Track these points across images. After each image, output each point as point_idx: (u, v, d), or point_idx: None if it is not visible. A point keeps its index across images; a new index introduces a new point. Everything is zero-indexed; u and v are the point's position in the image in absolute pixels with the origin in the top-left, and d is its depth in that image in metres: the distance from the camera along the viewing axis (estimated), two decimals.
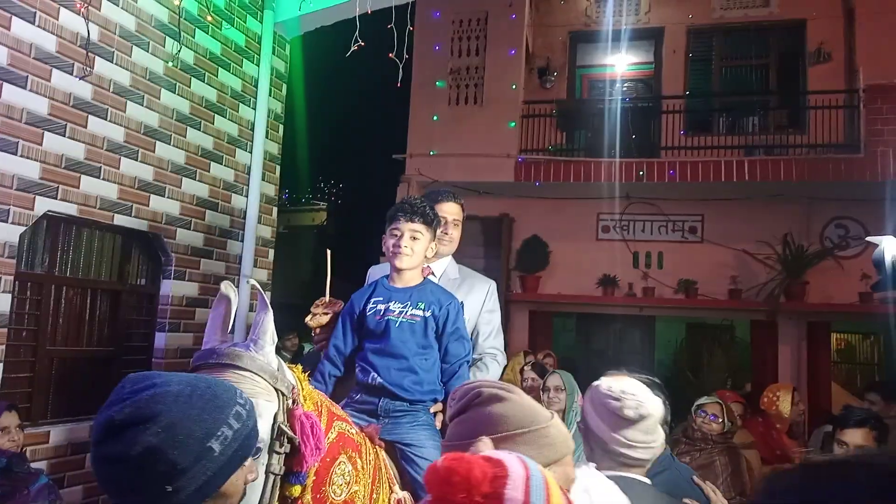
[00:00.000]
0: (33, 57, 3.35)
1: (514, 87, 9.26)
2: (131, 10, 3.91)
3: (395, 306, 2.37)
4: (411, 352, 2.31)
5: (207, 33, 4.53)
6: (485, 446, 1.10)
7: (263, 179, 5.05)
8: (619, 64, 10.26)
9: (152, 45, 4.08)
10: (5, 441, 2.42)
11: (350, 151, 11.42)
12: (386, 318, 2.36)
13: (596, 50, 10.17)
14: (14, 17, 3.23)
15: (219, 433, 1.07)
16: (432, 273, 2.73)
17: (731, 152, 8.78)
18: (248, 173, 4.93)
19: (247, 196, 4.92)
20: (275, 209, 5.33)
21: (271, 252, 5.27)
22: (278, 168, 5.32)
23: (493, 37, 9.40)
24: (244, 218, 4.90)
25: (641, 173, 8.69)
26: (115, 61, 3.82)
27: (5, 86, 3.21)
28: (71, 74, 3.54)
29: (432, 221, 2.46)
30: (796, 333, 9.15)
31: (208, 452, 1.04)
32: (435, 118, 9.25)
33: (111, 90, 3.83)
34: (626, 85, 10.38)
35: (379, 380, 2.28)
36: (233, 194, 4.84)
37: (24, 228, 3.36)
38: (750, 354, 9.66)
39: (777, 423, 4.79)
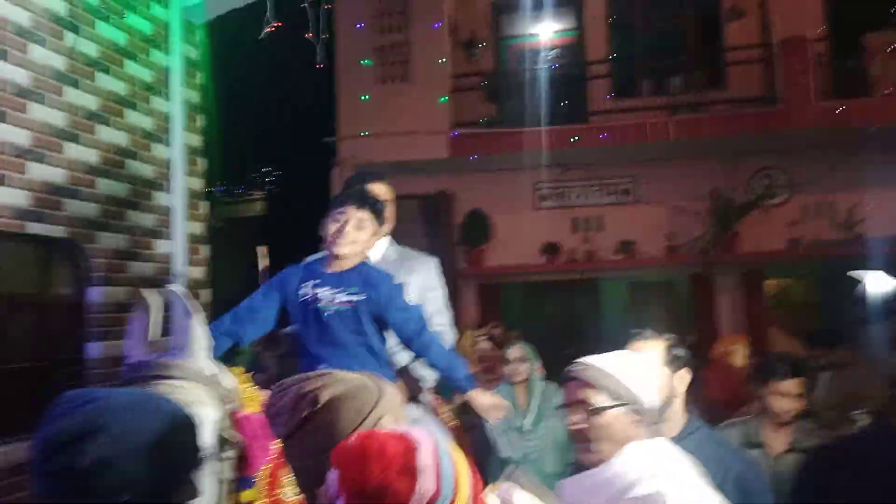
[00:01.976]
0: None
1: (442, 61, 9.18)
2: (24, 4, 3.66)
3: (324, 293, 2.30)
4: (345, 339, 2.25)
5: (109, 23, 4.29)
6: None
7: (187, 174, 4.85)
8: (543, 32, 10.28)
9: (49, 41, 3.83)
10: None
11: (280, 138, 11.15)
12: (315, 305, 2.29)
13: (519, 19, 10.16)
14: None
15: (167, 443, 1.06)
16: (367, 258, 2.67)
17: (657, 113, 8.96)
18: (169, 168, 4.73)
19: (170, 192, 4.72)
20: (203, 203, 5.14)
21: (204, 248, 5.09)
22: (202, 161, 5.13)
23: (416, 11, 9.28)
24: (169, 215, 4.70)
25: (574, 139, 8.78)
26: (9, 60, 3.57)
27: None
28: None
29: (380, 214, 2.40)
30: (732, 283, 9.49)
31: (157, 461, 1.03)
32: (364, 98, 9.10)
33: (8, 91, 3.59)
34: (551, 52, 10.42)
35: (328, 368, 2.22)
36: (154, 192, 4.64)
37: None
38: (691, 308, 9.96)
39: (730, 374, 4.94)
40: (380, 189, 2.76)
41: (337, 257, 2.34)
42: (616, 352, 2.06)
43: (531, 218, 9.64)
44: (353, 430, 1.31)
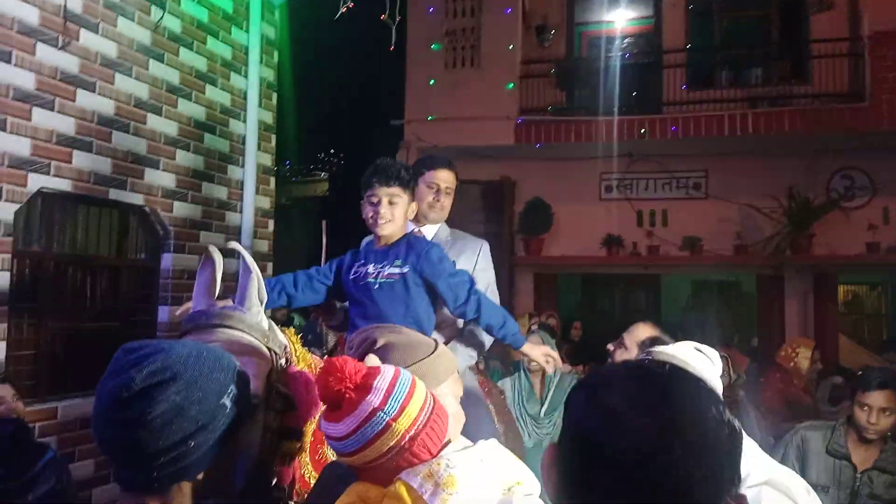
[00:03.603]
0: (16, 31, 3.28)
1: (511, 47, 9.10)
2: None
3: (372, 268, 2.35)
4: (394, 312, 2.28)
5: (195, 1, 4.43)
6: (371, 360, 1.30)
7: (259, 149, 4.99)
8: (619, 19, 10.05)
9: (138, 15, 3.99)
10: (3, 410, 2.42)
11: (348, 119, 11.29)
12: (364, 280, 2.35)
13: (594, 6, 9.96)
14: None
15: (228, 391, 1.12)
16: (413, 231, 2.70)
17: (735, 105, 8.64)
18: (244, 143, 4.87)
19: (243, 167, 4.87)
20: (272, 179, 5.28)
21: (271, 223, 5.23)
22: (274, 137, 5.26)
23: None
24: (242, 189, 4.85)
25: (644, 130, 8.58)
26: (100, 32, 3.74)
27: None
28: (56, 48, 3.47)
29: (409, 182, 2.41)
30: (803, 287, 9.13)
31: (222, 409, 1.10)
32: (432, 82, 9.12)
33: (98, 62, 3.76)
34: (625, 41, 10.18)
35: None
36: (229, 165, 4.79)
37: (18, 206, 3.33)
38: (757, 310, 9.65)
39: (794, 379, 4.77)
40: (445, 175, 2.78)
41: (382, 237, 2.39)
42: (684, 343, 2.04)
43: (594, 209, 9.49)
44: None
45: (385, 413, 1.18)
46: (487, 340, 2.70)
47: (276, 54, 5.28)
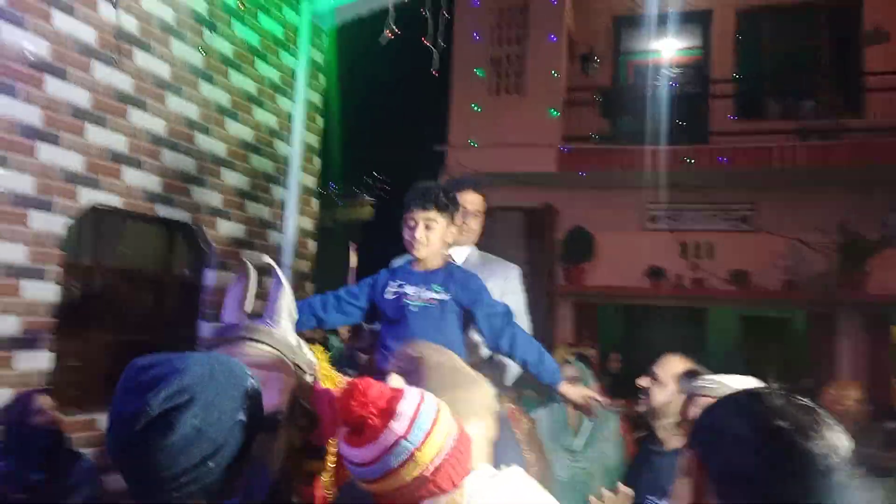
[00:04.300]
0: (73, 49, 3.41)
1: (555, 74, 9.12)
2: (168, 2, 3.95)
3: (411, 290, 2.34)
4: (428, 336, 2.26)
5: (245, 24, 4.56)
6: (394, 380, 1.26)
7: (303, 170, 5.07)
8: (666, 49, 10.00)
9: (190, 37, 4.12)
10: (42, 420, 2.48)
11: (392, 143, 11.44)
12: (403, 302, 2.33)
13: (641, 35, 9.93)
14: (54, 10, 3.30)
15: (244, 405, 1.11)
16: (453, 260, 2.68)
17: (785, 137, 8.46)
18: (288, 164, 4.96)
19: (286, 187, 4.95)
20: (315, 200, 5.35)
21: (312, 243, 5.29)
22: (317, 159, 5.34)
23: (533, 24, 9.27)
24: (284, 209, 4.93)
25: (689, 160, 8.45)
26: (154, 53, 3.87)
27: (47, 78, 3.28)
28: (111, 67, 3.60)
29: (447, 207, 2.39)
30: (855, 326, 8.79)
31: (239, 425, 1.08)
32: (475, 108, 9.18)
33: (151, 83, 3.88)
34: (672, 70, 10.10)
35: None
36: (272, 185, 4.87)
37: (69, 219, 3.43)
38: (807, 348, 9.31)
39: (843, 423, 4.56)
40: (472, 198, 2.77)
41: (419, 260, 2.38)
42: (733, 375, 1.95)
43: (637, 239, 9.35)
44: (441, 394, 1.33)
45: (409, 442, 1.14)
46: (516, 369, 2.65)
47: (322, 78, 5.38)
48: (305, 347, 1.68)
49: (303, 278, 5.11)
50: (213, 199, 4.36)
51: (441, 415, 1.20)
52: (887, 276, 8.20)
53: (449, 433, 1.19)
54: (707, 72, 9.58)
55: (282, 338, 1.54)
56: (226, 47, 4.41)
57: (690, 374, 2.21)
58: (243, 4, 4.32)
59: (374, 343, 2.55)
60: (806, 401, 1.03)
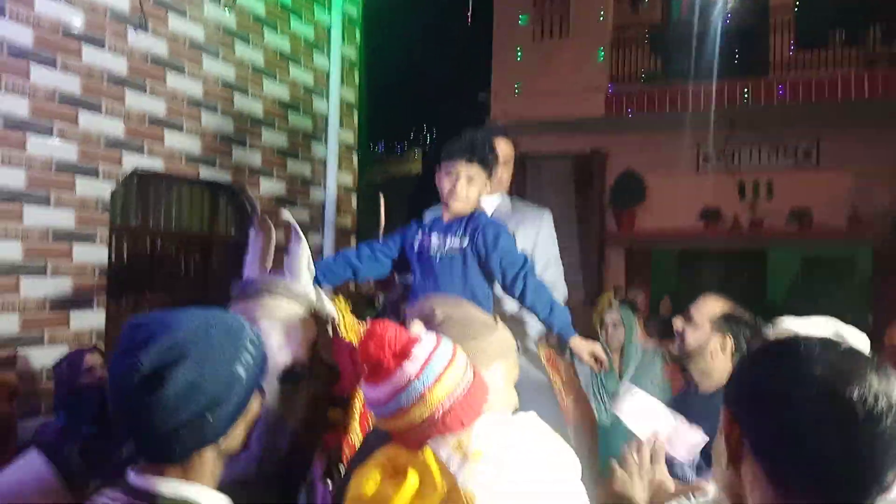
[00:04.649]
0: (109, 17, 3.47)
1: (602, 14, 8.77)
2: None
3: (434, 240, 2.34)
4: (453, 287, 2.26)
5: None
6: (416, 326, 1.29)
7: (342, 127, 5.08)
8: None
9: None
10: (93, 377, 2.61)
11: (436, 95, 11.32)
12: (427, 253, 2.34)
13: None
14: None
15: (241, 359, 1.12)
16: (481, 208, 2.66)
17: (849, 66, 7.96)
18: (326, 121, 4.97)
19: (326, 144, 4.98)
20: (355, 156, 5.37)
21: (354, 198, 5.34)
22: (356, 115, 5.34)
23: None
24: (325, 166, 4.97)
25: (746, 95, 8.07)
26: (188, 17, 3.90)
27: (84, 48, 3.35)
28: (147, 32, 3.66)
29: (490, 164, 2.38)
30: None
31: (237, 379, 1.10)
32: (519, 55, 8.96)
33: (187, 46, 3.93)
34: (729, 1, 9.56)
35: None
36: (312, 143, 4.91)
37: (114, 184, 3.55)
38: (871, 288, 8.94)
39: None
40: (502, 146, 2.71)
41: (449, 210, 2.36)
42: (823, 320, 1.84)
43: (691, 181, 9.06)
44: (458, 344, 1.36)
45: (420, 382, 1.18)
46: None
47: (358, 33, 5.33)
48: (326, 300, 1.71)
49: (346, 233, 5.18)
50: (254, 158, 4.43)
51: (455, 361, 1.24)
52: None
53: (462, 378, 1.23)
54: (765, 1, 9.03)
55: (300, 292, 1.57)
56: (258, 7, 4.40)
57: (728, 317, 2.15)
58: None
59: (405, 295, 2.56)
60: (850, 345, 0.94)
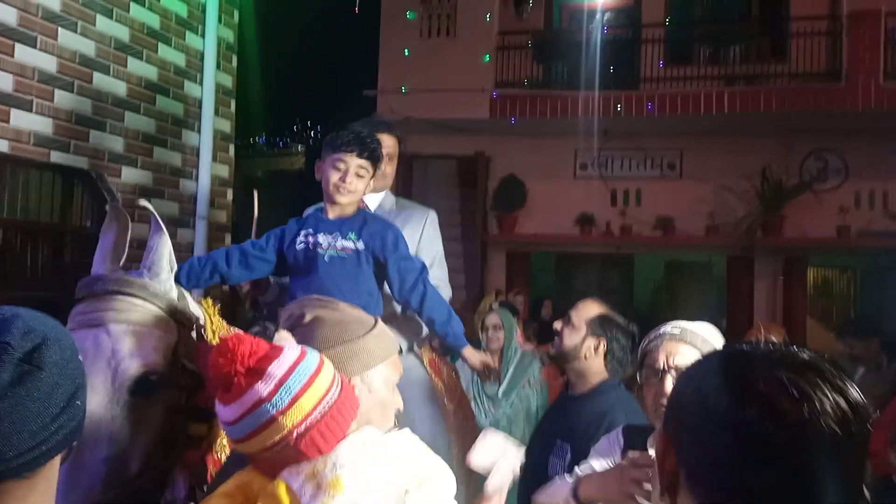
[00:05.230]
0: None
1: (488, 17, 8.89)
2: None
3: (323, 238, 2.21)
4: (342, 288, 2.14)
5: None
6: (281, 338, 1.20)
7: (217, 114, 4.77)
8: None
9: None
10: None
11: (321, 89, 11.06)
12: (314, 252, 2.20)
13: None
14: None
15: (76, 349, 0.95)
16: (366, 206, 2.56)
17: (712, 83, 8.57)
18: (200, 107, 4.65)
19: (199, 132, 4.66)
20: (231, 146, 5.07)
21: (230, 192, 5.04)
22: (233, 102, 5.04)
23: None
24: (198, 155, 4.65)
25: (619, 107, 8.47)
26: None
27: None
28: None
29: (378, 159, 2.30)
30: (773, 269, 9.15)
31: (81, 364, 0.95)
32: (406, 52, 8.90)
33: (40, 16, 3.52)
34: (605, 14, 10.02)
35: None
36: (184, 130, 4.57)
37: None
38: (726, 291, 9.66)
39: None
40: (387, 141, 2.64)
41: (335, 205, 2.25)
42: (694, 321, 1.89)
43: (569, 187, 9.40)
44: (326, 351, 1.27)
45: (272, 405, 1.08)
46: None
47: (236, 14, 5.04)
48: (190, 300, 1.55)
49: (220, 229, 4.88)
50: (116, 143, 4.05)
51: (319, 378, 1.14)
52: (804, 220, 8.53)
53: (324, 398, 1.13)
54: (639, 16, 9.54)
55: (159, 291, 1.40)
56: None
57: (603, 319, 2.19)
58: None
59: (282, 297, 2.40)
60: (809, 355, 0.79)
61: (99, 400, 1.20)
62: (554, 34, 9.84)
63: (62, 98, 3.68)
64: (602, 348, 2.18)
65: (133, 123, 4.15)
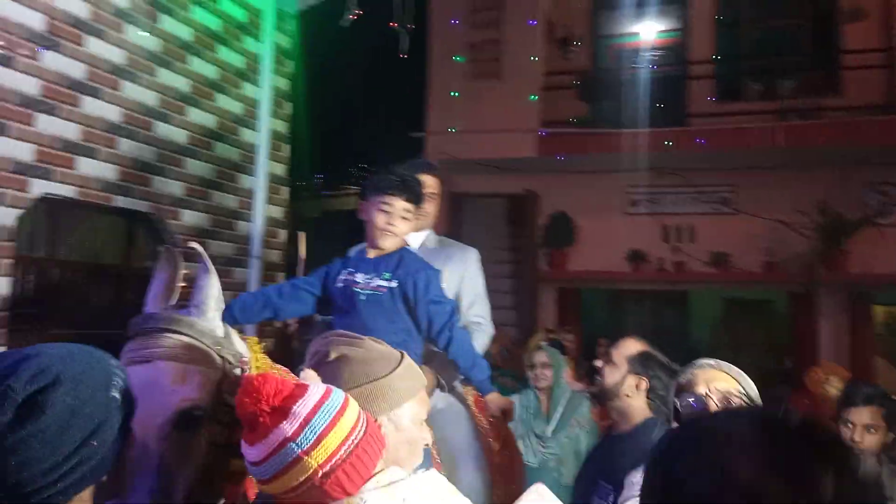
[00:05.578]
0: (21, 36, 3.29)
1: (534, 59, 9.01)
2: None
3: (360, 277, 2.27)
4: (379, 326, 2.19)
5: (205, 9, 4.43)
6: (307, 376, 1.21)
7: (271, 158, 4.97)
8: (645, 31, 9.91)
9: (144, 23, 3.99)
10: None
11: (371, 132, 11.34)
12: (352, 290, 2.26)
13: (619, 18, 9.83)
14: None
15: (114, 382, 1.03)
16: (408, 244, 2.63)
17: (764, 118, 8.41)
18: (255, 152, 4.85)
19: (254, 175, 4.85)
20: (286, 189, 5.25)
21: (283, 232, 5.20)
22: (287, 147, 5.24)
23: (511, 8, 9.15)
24: (252, 198, 4.83)
25: (669, 143, 8.39)
26: (106, 39, 3.75)
27: None
28: (62, 54, 3.48)
29: (422, 201, 2.39)
30: (836, 306, 8.78)
31: (113, 401, 1.01)
32: (454, 94, 9.07)
33: (105, 69, 3.76)
34: (651, 52, 10.02)
35: None
36: (239, 174, 4.77)
37: (21, 211, 3.32)
38: (789, 329, 9.32)
39: (821, 406, 4.56)
40: (428, 181, 2.71)
41: (378, 247, 2.31)
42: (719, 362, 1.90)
43: (619, 223, 9.30)
44: (352, 390, 1.28)
45: (297, 444, 1.08)
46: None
47: (290, 64, 5.26)
48: (236, 338, 1.61)
49: (273, 268, 5.02)
50: (175, 188, 4.25)
51: (344, 417, 1.13)
52: (866, 255, 8.20)
53: (349, 437, 1.12)
54: (686, 54, 9.51)
55: (206, 328, 1.46)
56: (185, 32, 4.28)
57: (643, 357, 2.17)
58: None
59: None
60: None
61: (147, 433, 1.26)
62: (600, 73, 9.88)
63: (126, 146, 3.90)
64: (643, 386, 2.15)
65: (192, 169, 4.35)
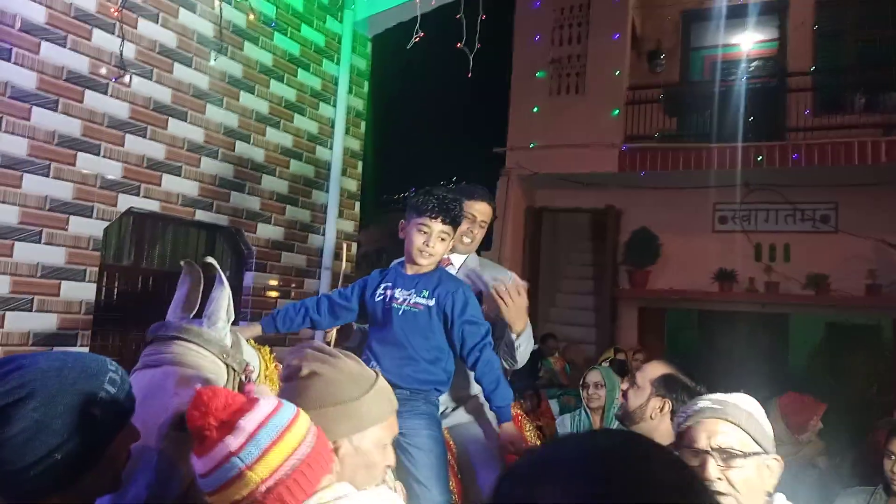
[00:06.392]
0: (112, 64, 3.63)
1: (617, 73, 8.88)
2: (207, 16, 4.14)
3: (399, 293, 2.35)
4: (414, 342, 2.26)
5: (286, 35, 4.70)
6: (259, 391, 1.20)
7: (344, 175, 5.18)
8: (739, 42, 9.55)
9: (230, 50, 4.29)
10: None
11: (453, 148, 11.50)
12: (390, 305, 2.34)
13: (712, 28, 9.51)
14: (93, 28, 3.52)
15: (97, 399, 1.12)
16: (451, 264, 2.68)
17: (867, 132, 7.88)
18: (329, 169, 5.08)
19: (328, 191, 5.07)
20: (357, 203, 5.45)
21: (354, 245, 5.39)
22: (360, 164, 5.44)
23: (596, 22, 9.08)
24: (325, 212, 5.05)
25: (761, 158, 8.02)
26: (193, 66, 4.06)
27: (87, 92, 3.50)
28: (150, 80, 3.81)
29: (460, 223, 2.45)
30: None
31: (90, 418, 1.09)
32: (535, 109, 9.08)
33: (190, 94, 4.08)
34: (746, 64, 9.63)
35: (378, 368, 2.26)
36: (314, 190, 5.00)
37: (108, 223, 3.65)
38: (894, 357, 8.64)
39: None
40: (483, 209, 2.77)
41: (416, 264, 2.38)
42: (735, 393, 1.75)
43: (706, 240, 8.96)
44: (317, 410, 1.30)
45: (240, 459, 1.10)
46: (521, 359, 2.61)
47: (366, 85, 5.48)
48: (246, 348, 1.72)
49: (346, 280, 5.20)
50: (253, 203, 4.52)
51: (290, 432, 1.14)
52: None
53: (293, 454, 1.13)
54: (783, 65, 9.07)
55: (214, 338, 1.58)
56: (266, 58, 4.56)
57: (666, 379, 2.13)
58: (256, 22, 4.42)
59: (363, 343, 2.57)
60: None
61: (149, 432, 1.39)
62: (688, 86, 9.59)
63: (207, 164, 4.20)
64: (667, 408, 2.11)
65: (269, 185, 4.62)
